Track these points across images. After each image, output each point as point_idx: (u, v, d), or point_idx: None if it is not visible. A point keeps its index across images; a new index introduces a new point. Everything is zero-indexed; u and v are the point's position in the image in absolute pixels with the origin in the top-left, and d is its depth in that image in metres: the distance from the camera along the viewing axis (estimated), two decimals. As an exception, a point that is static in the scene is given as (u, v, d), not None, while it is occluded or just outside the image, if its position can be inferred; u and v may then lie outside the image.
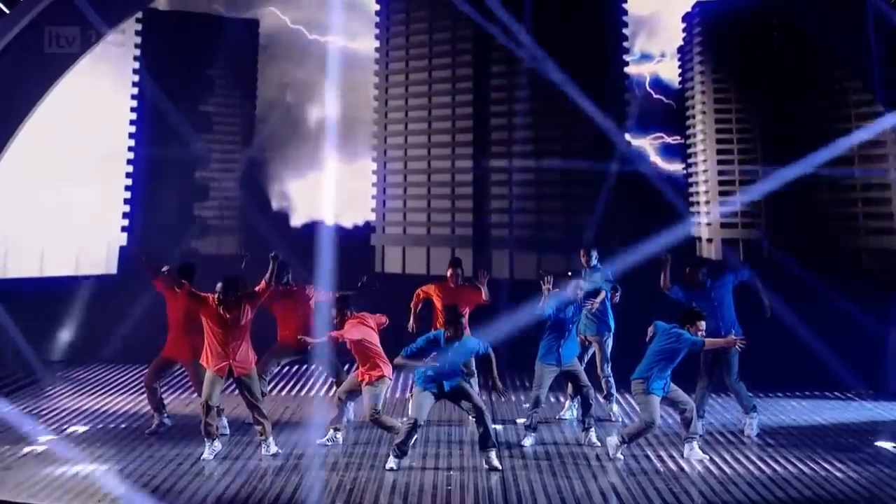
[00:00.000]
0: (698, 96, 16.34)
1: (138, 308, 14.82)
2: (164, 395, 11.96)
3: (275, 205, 18.40)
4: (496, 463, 10.02)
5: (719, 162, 16.22)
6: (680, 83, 16.92)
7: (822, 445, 11.12)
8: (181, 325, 11.34)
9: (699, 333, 10.25)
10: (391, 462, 9.99)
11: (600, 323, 12.16)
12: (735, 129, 16.23)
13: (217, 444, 10.39)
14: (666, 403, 10.49)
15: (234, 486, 9.43)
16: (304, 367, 14.79)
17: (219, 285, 10.33)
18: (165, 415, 11.67)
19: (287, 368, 14.65)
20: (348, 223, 18.05)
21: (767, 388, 13.56)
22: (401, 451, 10.04)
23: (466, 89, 17.21)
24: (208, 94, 18.07)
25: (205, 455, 10.30)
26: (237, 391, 10.81)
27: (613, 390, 12.26)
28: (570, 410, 12.31)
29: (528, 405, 11.29)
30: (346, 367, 12.07)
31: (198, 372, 10.88)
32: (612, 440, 10.53)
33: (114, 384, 14.31)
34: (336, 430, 10.96)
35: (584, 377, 11.20)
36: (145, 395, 11.73)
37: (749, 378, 11.56)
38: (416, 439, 10.25)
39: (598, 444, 10.92)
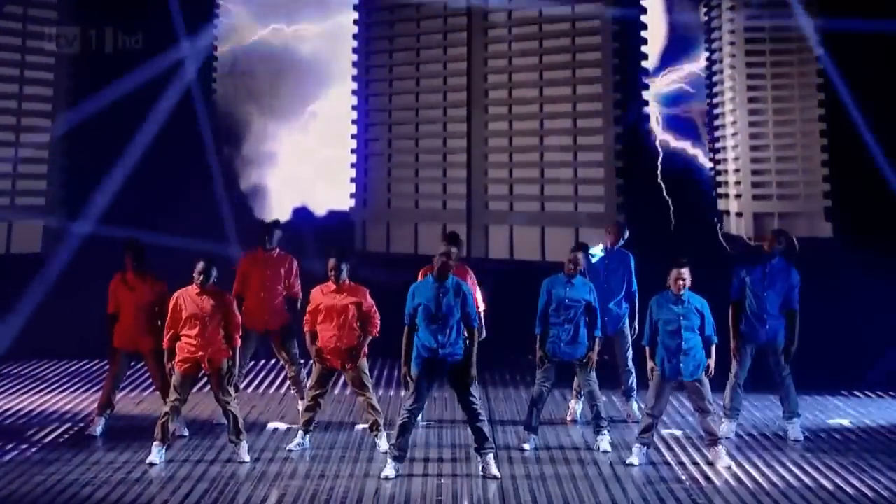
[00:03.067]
0: (726, 36, 16.13)
1: (68, 296, 14.77)
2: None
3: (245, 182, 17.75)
4: (494, 470, 9.98)
5: (751, 124, 16.12)
6: (705, 27, 16.65)
7: (871, 451, 11.10)
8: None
9: None
10: (389, 469, 9.91)
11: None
12: (770, 85, 16.12)
13: (163, 450, 10.35)
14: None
15: (193, 496, 9.37)
16: (274, 360, 14.72)
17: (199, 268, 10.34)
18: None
19: (253, 362, 14.57)
20: (322, 196, 17.77)
21: (807, 384, 13.50)
22: (400, 451, 9.96)
23: (460, 41, 17.09)
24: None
25: (151, 458, 10.26)
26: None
27: (634, 384, 12.16)
28: (578, 409, 12.28)
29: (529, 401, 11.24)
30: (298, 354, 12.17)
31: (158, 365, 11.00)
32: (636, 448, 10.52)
33: (46, 381, 14.27)
34: (307, 431, 10.92)
35: (592, 371, 11.17)
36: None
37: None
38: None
39: (611, 449, 10.87)
